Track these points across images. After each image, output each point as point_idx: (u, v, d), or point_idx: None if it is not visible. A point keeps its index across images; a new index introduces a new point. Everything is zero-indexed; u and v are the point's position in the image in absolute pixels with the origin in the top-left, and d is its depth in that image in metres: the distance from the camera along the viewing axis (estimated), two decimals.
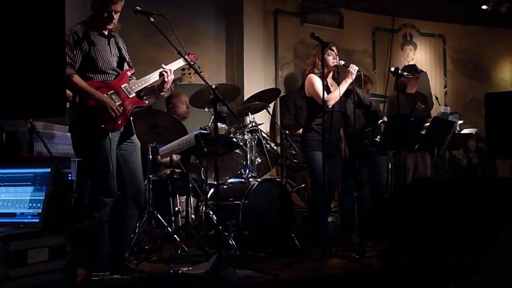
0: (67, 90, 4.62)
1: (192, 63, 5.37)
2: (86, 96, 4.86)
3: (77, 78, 4.83)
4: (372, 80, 9.23)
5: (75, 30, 4.92)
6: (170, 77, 5.17)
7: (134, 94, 5.07)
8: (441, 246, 4.38)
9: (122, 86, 5.03)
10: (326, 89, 6.26)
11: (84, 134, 4.91)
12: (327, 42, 6.22)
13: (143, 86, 5.14)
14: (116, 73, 5.07)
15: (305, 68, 6.62)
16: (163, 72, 5.15)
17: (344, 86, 6.36)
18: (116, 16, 5.01)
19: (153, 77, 5.19)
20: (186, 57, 5.29)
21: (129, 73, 5.14)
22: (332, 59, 6.38)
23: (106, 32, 5.06)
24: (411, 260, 4.62)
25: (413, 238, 4.65)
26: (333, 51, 6.35)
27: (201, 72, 5.37)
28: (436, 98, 9.13)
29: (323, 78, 6.17)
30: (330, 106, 6.22)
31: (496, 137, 4.71)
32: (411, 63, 11.21)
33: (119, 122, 4.94)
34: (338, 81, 6.49)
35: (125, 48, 5.24)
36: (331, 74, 6.51)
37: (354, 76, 6.37)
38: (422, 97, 8.53)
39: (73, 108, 4.93)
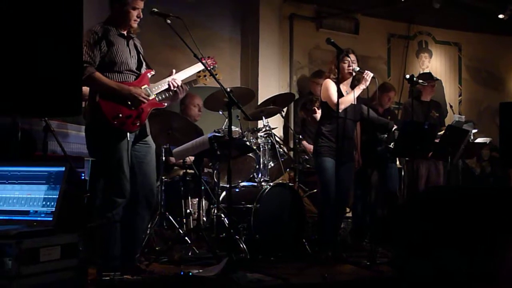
0: (83, 89, 4.62)
1: (211, 67, 5.40)
2: (110, 91, 4.86)
3: (98, 75, 4.84)
4: None
5: (95, 30, 4.93)
6: (181, 94, 5.23)
7: (154, 96, 5.08)
8: (452, 253, 4.36)
9: (143, 87, 5.03)
10: (340, 95, 6.26)
11: (101, 134, 4.90)
12: (345, 49, 6.22)
13: (163, 89, 5.15)
14: (135, 75, 5.08)
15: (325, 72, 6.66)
16: (170, 84, 5.16)
17: (357, 92, 6.36)
18: (135, 13, 5.02)
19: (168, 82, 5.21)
20: (204, 61, 5.30)
21: (149, 75, 5.15)
22: (347, 66, 6.38)
23: (125, 33, 5.08)
24: (421, 267, 4.61)
25: (424, 245, 4.64)
26: (349, 58, 6.35)
27: (216, 74, 5.38)
28: (451, 106, 9.12)
29: (338, 84, 6.17)
30: (340, 110, 6.19)
31: (510, 147, 4.70)
32: (426, 70, 11.19)
33: (138, 124, 4.95)
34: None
35: (142, 50, 5.25)
36: (348, 81, 6.48)
37: (368, 83, 6.36)
38: (437, 105, 8.54)
39: (91, 107, 4.92)
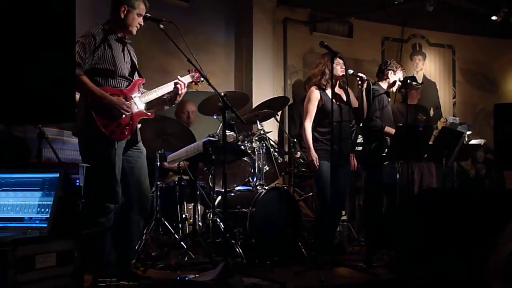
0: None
1: (200, 79, 5.40)
2: (94, 97, 4.83)
3: (85, 79, 4.80)
4: None
5: (93, 33, 4.90)
6: (184, 90, 5.20)
7: (143, 106, 5.07)
8: (449, 258, 4.36)
9: (133, 96, 5.03)
10: (337, 99, 6.32)
11: (92, 140, 4.89)
12: (336, 51, 6.24)
13: (153, 99, 5.14)
14: (127, 81, 5.07)
15: (312, 77, 6.68)
16: (178, 85, 5.16)
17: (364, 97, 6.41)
18: (138, 20, 5.03)
19: (164, 90, 5.20)
20: (191, 74, 5.31)
21: (140, 83, 5.14)
22: (340, 68, 6.39)
23: (121, 36, 5.06)
24: (419, 271, 4.60)
25: (421, 249, 4.64)
26: (342, 60, 6.37)
27: (202, 81, 5.40)
28: (437, 108, 9.18)
29: (332, 86, 6.18)
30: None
31: (505, 148, 4.69)
32: (420, 73, 11.23)
33: (126, 133, 4.94)
34: (346, 90, 6.54)
35: (136, 58, 5.24)
36: (338, 83, 6.51)
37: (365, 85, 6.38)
38: (423, 109, 8.62)
39: (83, 113, 4.88)
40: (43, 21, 3.65)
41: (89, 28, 4.94)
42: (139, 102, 5.05)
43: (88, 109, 4.83)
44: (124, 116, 4.91)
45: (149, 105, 5.18)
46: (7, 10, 3.56)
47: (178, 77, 5.23)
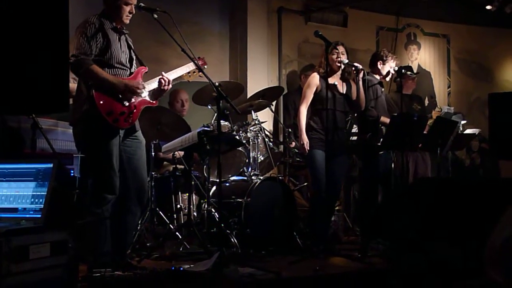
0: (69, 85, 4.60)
1: (204, 67, 5.41)
2: (107, 85, 4.85)
3: (96, 68, 4.82)
4: None
5: (92, 21, 4.93)
6: (167, 87, 5.19)
7: (146, 94, 5.07)
8: (444, 246, 4.37)
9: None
10: (332, 88, 6.31)
11: (93, 129, 4.86)
12: (334, 41, 6.24)
13: (154, 87, 5.14)
14: (127, 70, 5.08)
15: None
16: (162, 80, 5.15)
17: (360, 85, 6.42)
18: (128, 9, 5.01)
19: (176, 73, 5.26)
20: (196, 61, 5.30)
21: (143, 71, 5.14)
22: (335, 58, 6.38)
23: (118, 27, 5.06)
24: (414, 259, 4.61)
25: (416, 238, 4.64)
26: (337, 50, 6.35)
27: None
28: (431, 97, 9.19)
29: (326, 75, 6.18)
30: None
31: (500, 138, 4.70)
32: (415, 62, 11.22)
33: (130, 121, 4.94)
34: (348, 82, 6.52)
35: (133, 47, 5.23)
36: (338, 74, 6.50)
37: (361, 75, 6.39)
38: (418, 98, 8.62)
39: (84, 101, 4.87)
40: (35, 9, 3.63)
41: (85, 18, 4.94)
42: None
43: (90, 97, 4.82)
44: (131, 101, 4.92)
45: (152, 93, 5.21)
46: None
47: (162, 73, 5.22)
